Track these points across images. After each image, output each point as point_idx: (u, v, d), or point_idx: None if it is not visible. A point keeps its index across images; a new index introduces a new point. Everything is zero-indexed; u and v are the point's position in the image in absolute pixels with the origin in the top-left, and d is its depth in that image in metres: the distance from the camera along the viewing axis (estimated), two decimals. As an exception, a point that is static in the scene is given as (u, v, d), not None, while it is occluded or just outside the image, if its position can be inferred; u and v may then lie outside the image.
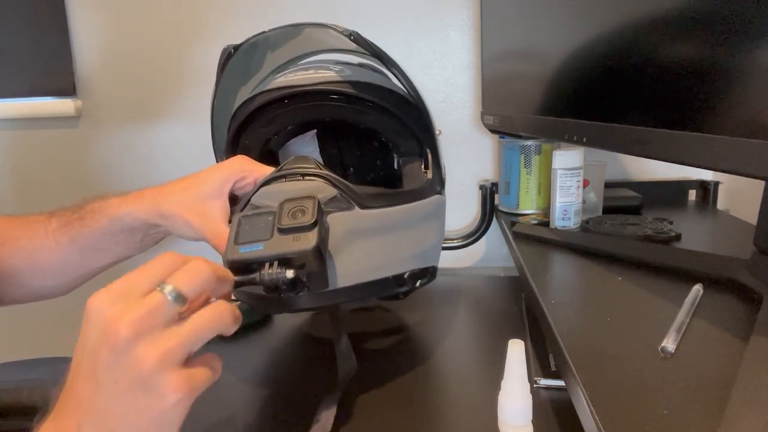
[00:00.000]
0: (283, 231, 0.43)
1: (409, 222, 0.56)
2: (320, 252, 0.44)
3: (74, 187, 1.16)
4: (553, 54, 0.68)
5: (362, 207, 0.51)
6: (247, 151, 0.64)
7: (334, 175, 0.51)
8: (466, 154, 1.07)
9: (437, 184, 0.62)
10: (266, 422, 0.54)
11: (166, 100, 1.11)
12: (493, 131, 0.98)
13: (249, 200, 0.52)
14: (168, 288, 0.34)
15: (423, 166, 0.63)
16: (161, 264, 0.35)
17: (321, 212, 0.45)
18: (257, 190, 0.51)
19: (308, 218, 0.43)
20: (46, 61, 1.10)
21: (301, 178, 0.51)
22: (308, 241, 0.43)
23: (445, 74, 1.06)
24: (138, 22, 1.09)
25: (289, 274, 0.42)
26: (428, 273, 0.60)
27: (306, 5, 1.04)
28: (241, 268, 0.43)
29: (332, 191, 0.50)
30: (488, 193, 1.01)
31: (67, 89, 1.11)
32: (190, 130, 1.11)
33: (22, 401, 0.76)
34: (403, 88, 0.62)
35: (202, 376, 0.35)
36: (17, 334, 1.23)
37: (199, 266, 0.36)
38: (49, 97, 1.12)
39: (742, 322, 0.45)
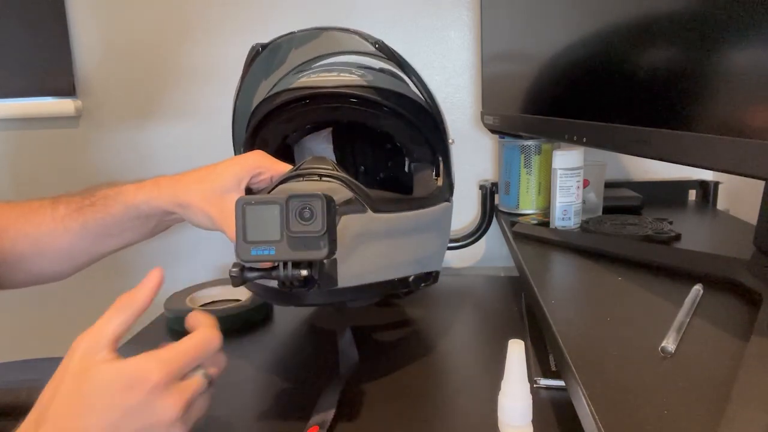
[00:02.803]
0: (293, 236, 0.43)
1: (417, 227, 0.57)
2: (332, 257, 0.45)
3: (74, 187, 1.14)
4: (553, 54, 0.68)
5: (375, 210, 0.53)
6: (264, 146, 0.65)
7: (350, 178, 0.52)
8: (466, 154, 1.07)
9: (446, 192, 0.63)
10: (268, 414, 0.54)
11: (167, 100, 1.11)
12: (493, 131, 0.98)
13: None
14: (207, 376, 0.43)
15: (434, 173, 0.64)
16: (206, 351, 0.42)
17: (331, 214, 0.44)
18: (275, 187, 0.52)
19: (318, 226, 0.43)
20: (46, 61, 1.10)
21: (318, 178, 0.52)
22: (319, 250, 0.43)
23: (445, 74, 1.06)
24: (138, 22, 1.09)
25: (303, 272, 0.44)
26: (431, 277, 0.62)
27: (306, 3, 1.04)
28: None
29: (347, 193, 0.51)
30: (488, 193, 1.01)
31: (67, 89, 1.11)
32: (191, 129, 1.11)
33: (21, 401, 0.76)
34: (421, 96, 0.63)
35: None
36: (17, 334, 1.23)
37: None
38: (49, 97, 1.12)
39: (742, 322, 0.45)
